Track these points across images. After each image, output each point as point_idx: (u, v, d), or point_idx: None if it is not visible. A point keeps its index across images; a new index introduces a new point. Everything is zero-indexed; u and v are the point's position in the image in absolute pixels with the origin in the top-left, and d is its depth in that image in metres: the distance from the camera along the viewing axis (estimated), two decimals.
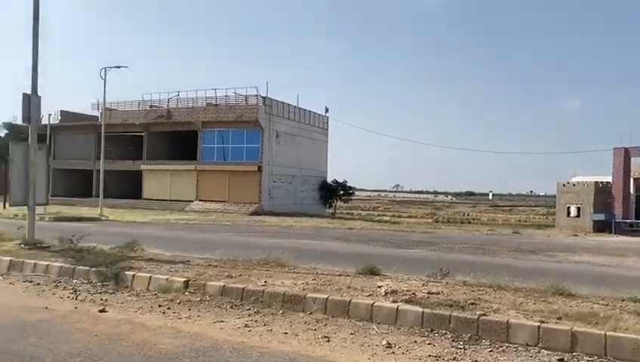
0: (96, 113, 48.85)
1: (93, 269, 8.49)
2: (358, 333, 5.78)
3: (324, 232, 23.36)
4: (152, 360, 4.80)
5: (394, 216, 54.91)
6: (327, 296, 6.67)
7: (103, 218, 28.16)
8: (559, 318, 5.78)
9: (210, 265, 9.26)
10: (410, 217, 52.97)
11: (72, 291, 7.68)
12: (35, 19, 11.67)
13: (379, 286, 7.23)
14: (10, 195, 12.05)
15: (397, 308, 6.18)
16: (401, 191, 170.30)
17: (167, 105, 46.15)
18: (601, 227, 29.79)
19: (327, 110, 50.76)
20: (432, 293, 6.87)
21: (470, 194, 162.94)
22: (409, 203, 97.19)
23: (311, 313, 6.51)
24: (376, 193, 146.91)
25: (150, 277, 8.00)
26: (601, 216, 30.04)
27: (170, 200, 42.87)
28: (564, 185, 32.33)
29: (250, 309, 6.70)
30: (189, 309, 6.74)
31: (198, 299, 7.16)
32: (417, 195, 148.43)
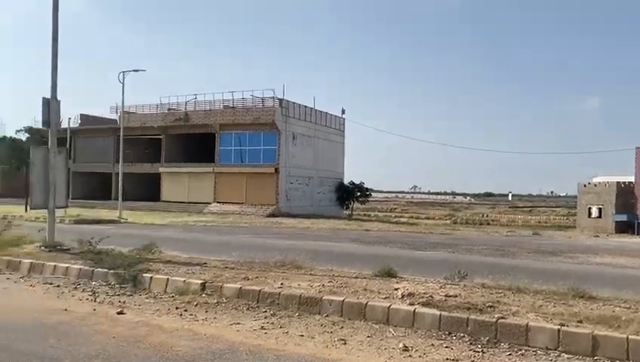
0: (115, 116, 49.53)
1: (112, 271, 8.57)
2: (375, 336, 5.74)
3: (341, 234, 23.32)
4: None
5: (411, 217, 54.67)
6: (343, 299, 6.64)
7: (122, 220, 28.47)
8: (580, 321, 5.68)
9: (227, 267, 9.28)
10: (428, 218, 52.68)
11: (90, 293, 7.76)
12: (55, 39, 11.84)
13: (395, 289, 7.18)
14: (31, 198, 12.24)
15: (414, 310, 6.13)
16: (419, 193, 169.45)
17: (185, 108, 46.58)
18: (623, 228, 29.32)
19: (343, 111, 50.84)
20: (450, 296, 6.79)
21: (489, 195, 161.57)
22: (427, 204, 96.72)
23: (327, 315, 6.48)
24: (393, 194, 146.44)
25: (167, 279, 8.04)
26: (623, 217, 29.59)
27: (189, 203, 43.21)
28: (585, 186, 31.89)
29: (266, 311, 6.70)
30: (206, 311, 6.76)
31: (215, 301, 7.18)
32: (435, 196, 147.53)
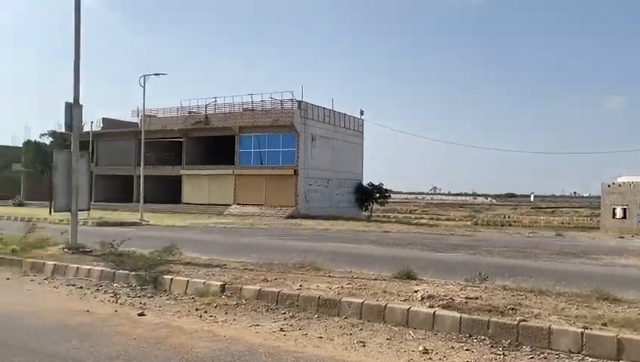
0: (136, 120, 50.09)
1: (133, 273, 8.67)
2: (394, 338, 5.70)
3: (360, 235, 23.26)
4: None
5: (431, 218, 54.22)
6: (362, 301, 6.61)
7: (143, 223, 28.79)
8: (604, 324, 5.56)
9: (246, 268, 9.32)
10: (448, 220, 52.18)
11: (112, 295, 7.86)
12: (77, 45, 12.03)
13: (415, 291, 7.12)
14: (55, 201, 12.45)
15: (434, 313, 6.08)
16: (439, 194, 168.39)
17: (205, 111, 46.95)
18: None
19: (362, 113, 50.72)
20: (471, 298, 6.72)
21: (511, 195, 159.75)
22: (447, 205, 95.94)
23: (346, 317, 6.47)
24: (413, 195, 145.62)
25: (188, 281, 8.11)
26: None
27: (209, 205, 43.52)
28: (609, 186, 31.31)
29: (285, 313, 6.71)
30: (226, 313, 6.79)
31: (235, 302, 7.21)
32: (456, 197, 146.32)
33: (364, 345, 5.47)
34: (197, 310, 6.93)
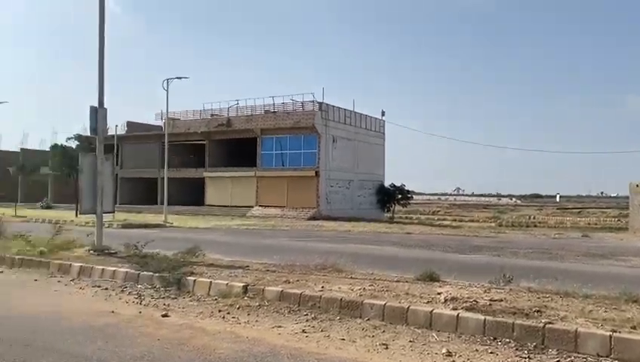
0: (159, 123, 50.74)
1: (157, 275, 8.77)
2: (417, 341, 5.65)
3: (382, 237, 23.16)
4: None
5: (455, 220, 53.66)
6: (384, 303, 6.57)
7: (167, 224, 29.12)
8: (633, 327, 5.43)
9: (268, 270, 9.35)
10: (472, 221, 51.56)
11: (136, 296, 7.95)
12: (101, 50, 12.24)
13: (438, 293, 7.06)
14: (80, 204, 12.66)
15: (457, 315, 6.01)
16: (463, 195, 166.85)
17: (227, 114, 47.35)
18: None
19: (383, 113, 50.52)
20: (495, 300, 6.63)
21: (536, 196, 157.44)
22: (471, 206, 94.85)
23: (368, 319, 6.43)
24: (436, 197, 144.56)
25: (210, 282, 8.16)
26: None
27: (232, 206, 43.82)
28: (637, 186, 30.57)
29: (307, 314, 6.71)
30: (248, 314, 6.82)
31: (257, 304, 7.24)
32: (479, 198, 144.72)
33: (386, 348, 5.44)
34: (220, 311, 6.97)
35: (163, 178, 37.04)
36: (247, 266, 9.83)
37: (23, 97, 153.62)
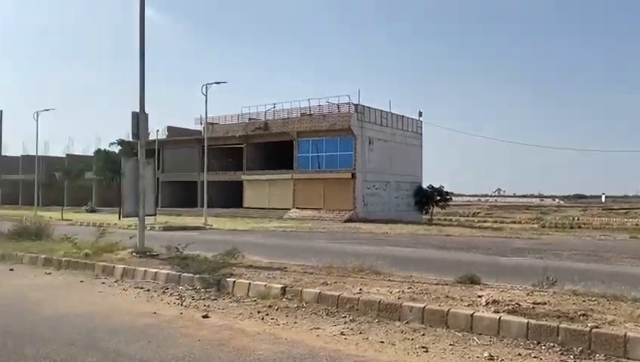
0: (199, 127, 51.66)
1: (197, 276, 8.90)
2: (458, 344, 5.55)
3: (421, 239, 22.91)
4: None
5: (496, 221, 52.51)
6: (424, 305, 6.49)
7: (206, 227, 29.60)
8: None
9: (306, 272, 9.37)
10: (513, 223, 50.36)
11: (177, 297, 8.09)
12: (142, 56, 12.53)
13: (479, 296, 6.93)
14: (123, 207, 12.99)
15: (499, 318, 5.88)
16: (504, 196, 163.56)
17: (264, 117, 47.85)
18: None
19: (420, 114, 50.06)
20: (538, 303, 6.46)
21: (580, 196, 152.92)
22: (512, 207, 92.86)
23: (407, 322, 6.36)
24: (476, 198, 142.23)
25: (249, 283, 8.24)
26: None
27: (269, 209, 44.21)
28: None
29: (345, 317, 6.69)
30: (287, 316, 6.85)
31: (295, 305, 7.26)
32: (521, 199, 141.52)
33: (426, 351, 5.36)
34: (259, 312, 7.03)
35: (202, 181, 37.68)
36: (285, 268, 9.88)
37: (69, 105, 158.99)
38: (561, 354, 5.17)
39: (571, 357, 5.09)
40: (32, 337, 5.81)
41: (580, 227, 44.43)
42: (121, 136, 54.44)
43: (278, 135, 45.80)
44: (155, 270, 9.78)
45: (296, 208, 43.31)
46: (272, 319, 6.70)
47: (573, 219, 56.29)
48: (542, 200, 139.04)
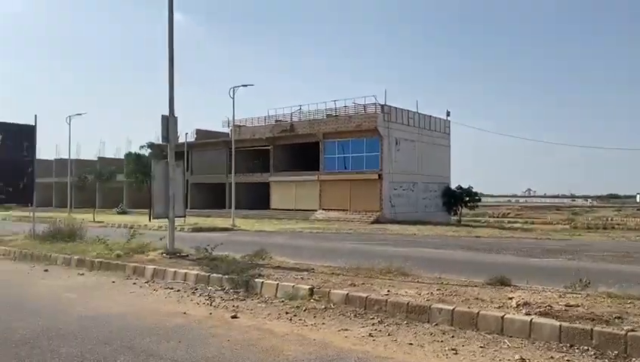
0: (226, 130, 52.20)
1: (226, 277, 8.98)
2: (488, 347, 5.48)
3: (449, 240, 22.67)
4: None
5: (526, 222, 51.63)
6: (453, 307, 6.42)
7: (234, 228, 29.85)
8: None
9: (333, 273, 9.37)
10: (544, 223, 49.40)
11: (207, 297, 8.18)
12: (171, 60, 12.70)
13: (510, 298, 6.82)
14: (153, 209, 13.20)
15: (531, 321, 5.77)
16: (534, 196, 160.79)
17: (290, 119, 48.03)
18: None
19: (448, 114, 49.58)
20: (571, 306, 6.32)
21: (614, 196, 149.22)
22: (543, 208, 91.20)
23: (436, 324, 6.31)
24: (506, 199, 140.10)
25: (277, 284, 8.27)
26: None
27: (296, 210, 44.33)
28: None
29: (373, 318, 6.66)
30: (314, 317, 6.85)
31: (323, 306, 7.26)
32: (552, 200, 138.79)
33: (456, 353, 5.30)
34: (287, 313, 7.05)
35: (230, 183, 38.01)
36: (313, 269, 9.89)
37: (101, 109, 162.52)
38: (596, 357, 5.06)
39: (606, 360, 4.97)
40: (66, 337, 5.94)
41: (613, 228, 43.28)
42: (151, 139, 55.45)
43: (304, 136, 45.91)
44: (185, 271, 9.91)
45: (323, 209, 43.33)
46: (300, 320, 6.71)
47: (607, 219, 54.83)
48: (573, 200, 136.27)
